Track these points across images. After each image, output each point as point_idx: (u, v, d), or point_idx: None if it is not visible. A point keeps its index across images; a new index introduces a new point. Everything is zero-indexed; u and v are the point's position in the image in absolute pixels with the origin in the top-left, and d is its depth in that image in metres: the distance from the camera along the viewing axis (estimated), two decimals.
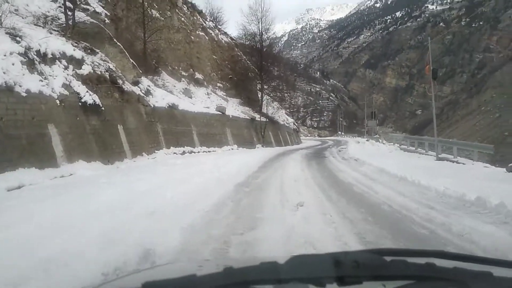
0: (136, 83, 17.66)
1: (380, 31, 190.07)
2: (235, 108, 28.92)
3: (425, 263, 0.85)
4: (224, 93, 30.61)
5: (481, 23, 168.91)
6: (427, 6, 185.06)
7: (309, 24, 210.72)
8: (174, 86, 25.36)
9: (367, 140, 32.29)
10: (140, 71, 18.46)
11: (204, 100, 26.71)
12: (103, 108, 13.41)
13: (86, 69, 13.49)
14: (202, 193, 6.13)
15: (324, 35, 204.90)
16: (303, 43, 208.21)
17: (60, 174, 10.24)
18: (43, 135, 10.51)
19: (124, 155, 14.31)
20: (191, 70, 28.63)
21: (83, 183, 7.18)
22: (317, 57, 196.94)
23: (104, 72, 14.70)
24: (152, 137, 17.33)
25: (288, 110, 62.80)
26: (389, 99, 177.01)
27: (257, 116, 29.30)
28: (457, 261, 0.96)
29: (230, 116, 24.99)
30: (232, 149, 23.48)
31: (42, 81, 11.17)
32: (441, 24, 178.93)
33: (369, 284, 0.77)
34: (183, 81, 27.05)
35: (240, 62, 34.02)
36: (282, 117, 38.42)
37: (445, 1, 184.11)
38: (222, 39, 33.43)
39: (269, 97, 35.16)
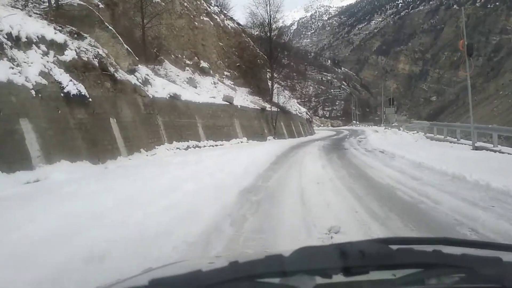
0: (132, 71, 15.83)
1: (392, 16, 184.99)
2: (243, 98, 26.98)
3: (432, 251, 0.82)
4: (232, 82, 28.66)
5: (497, 3, 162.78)
6: None
7: (319, 11, 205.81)
8: (178, 75, 23.53)
9: (385, 129, 30.10)
10: (137, 59, 16.62)
11: (210, 90, 24.84)
12: (90, 99, 11.64)
13: (69, 55, 11.71)
14: (187, 212, 4.25)
15: (334, 22, 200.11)
16: (313, 31, 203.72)
17: (35, 178, 8.53)
18: (13, 131, 8.77)
19: (117, 152, 12.55)
20: (196, 58, 26.71)
21: (37, 194, 5.39)
22: (327, 45, 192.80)
23: (93, 58, 12.89)
24: (152, 131, 15.54)
25: (299, 100, 60.62)
26: (403, 86, 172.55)
27: (267, 106, 27.28)
28: (465, 247, 0.95)
29: (239, 107, 23.08)
30: (241, 142, 21.60)
31: (13, 68, 9.43)
32: (454, 6, 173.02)
33: (375, 273, 0.76)
34: (187, 70, 25.19)
35: (248, 48, 31.92)
36: (294, 106, 36.34)
37: None
38: (228, 24, 31.33)
39: (280, 86, 33.12)
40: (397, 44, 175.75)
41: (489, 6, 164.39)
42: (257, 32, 33.12)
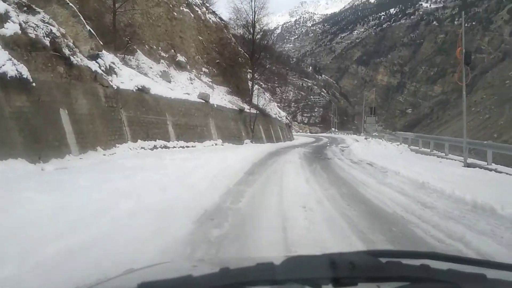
0: (93, 57, 13.80)
1: (374, 27, 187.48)
2: (221, 97, 25.21)
3: (419, 265, 0.84)
4: (210, 80, 26.85)
5: (473, 23, 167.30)
6: (421, 4, 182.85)
7: (303, 17, 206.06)
8: (151, 67, 21.56)
9: (366, 138, 28.98)
10: (101, 43, 14.60)
11: (185, 86, 22.96)
12: (34, 85, 9.65)
13: (11, 29, 9.67)
14: (94, 265, 2.50)
15: (318, 29, 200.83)
16: (296, 36, 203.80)
17: None
18: None
19: (66, 149, 10.55)
20: (173, 51, 24.76)
21: None
22: (309, 51, 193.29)
23: (43, 36, 10.84)
24: (113, 127, 13.55)
25: (279, 104, 59.30)
26: (380, 97, 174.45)
27: (246, 107, 25.59)
28: (451, 262, 0.96)
29: (215, 106, 21.30)
30: (215, 144, 19.82)
31: None
32: (434, 22, 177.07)
33: (364, 285, 0.76)
34: (162, 63, 23.22)
35: (229, 45, 30.15)
36: (274, 110, 34.82)
37: (439, 0, 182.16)
38: (210, 18, 29.50)
39: (260, 87, 31.52)
40: (377, 55, 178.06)
41: (466, 25, 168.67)
42: (240, 30, 31.40)
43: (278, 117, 34.15)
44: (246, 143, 23.18)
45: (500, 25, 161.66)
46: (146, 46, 23.08)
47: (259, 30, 30.20)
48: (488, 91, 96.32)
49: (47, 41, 10.94)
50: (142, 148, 14.44)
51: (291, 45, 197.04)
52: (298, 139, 37.54)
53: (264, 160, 12.61)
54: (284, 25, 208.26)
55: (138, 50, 21.85)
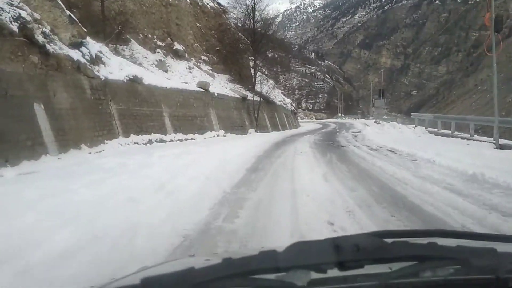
0: (76, 45, 12.19)
1: (375, 10, 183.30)
2: (222, 85, 23.55)
3: (427, 243, 0.81)
4: (210, 68, 25.15)
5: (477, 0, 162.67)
6: None
7: (303, 4, 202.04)
8: (146, 57, 19.94)
9: (376, 122, 27.19)
10: (84, 30, 12.95)
11: (184, 75, 21.33)
12: None
13: None
14: None
15: (319, 15, 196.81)
16: (297, 23, 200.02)
17: None
18: None
19: (42, 149, 9.03)
20: (169, 39, 23.05)
21: None
22: (311, 37, 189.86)
23: (11, 21, 9.27)
24: (101, 122, 11.99)
25: (283, 91, 57.48)
26: (384, 80, 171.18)
27: (249, 95, 23.90)
28: (459, 239, 0.93)
29: (215, 94, 19.66)
30: (217, 135, 18.25)
31: None
32: (437, 1, 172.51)
33: (370, 267, 0.75)
34: (159, 52, 21.56)
35: (229, 31, 28.35)
36: (279, 96, 33.06)
37: None
38: (207, 3, 27.67)
39: (263, 74, 29.76)
40: (379, 38, 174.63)
41: (469, 2, 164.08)
42: (240, 16, 29.49)
43: (283, 104, 32.40)
44: (250, 133, 21.59)
45: (506, 0, 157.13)
46: (140, 35, 21.43)
47: (259, 19, 28.39)
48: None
49: (15, 27, 9.33)
50: (135, 143, 12.90)
51: (293, 32, 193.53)
52: (305, 126, 35.83)
53: (270, 152, 10.98)
54: (285, 13, 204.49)
55: (131, 39, 20.22)
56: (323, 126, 33.91)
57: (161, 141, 14.19)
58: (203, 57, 25.26)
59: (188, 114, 17.08)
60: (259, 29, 27.70)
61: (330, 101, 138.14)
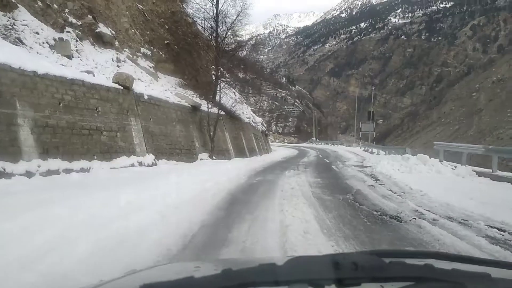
0: None
1: (345, 41, 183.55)
2: (166, 88, 15.73)
3: (423, 264, 0.80)
4: (152, 65, 17.33)
5: (439, 38, 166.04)
6: (390, 19, 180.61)
7: (276, 29, 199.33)
8: (37, 33, 11.82)
9: (365, 150, 20.18)
10: None
11: (104, 68, 13.43)
12: None
13: None
14: None
15: (291, 41, 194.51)
16: (270, 48, 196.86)
17: None
18: None
19: None
20: (90, 17, 15.08)
21: None
22: (283, 63, 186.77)
23: None
24: None
25: (253, 109, 50.07)
26: (352, 108, 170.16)
27: (204, 105, 16.03)
28: (456, 262, 0.94)
29: (145, 97, 11.78)
30: (139, 163, 10.24)
31: None
32: (402, 37, 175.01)
33: (367, 285, 0.73)
34: (69, 32, 13.52)
35: (185, 23, 20.81)
36: (247, 113, 25.63)
37: (406, 15, 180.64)
38: None
39: (228, 84, 22.24)
40: (348, 67, 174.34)
41: (432, 40, 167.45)
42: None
43: (252, 122, 24.88)
44: (201, 160, 13.73)
45: (464, 41, 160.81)
46: (39, 2, 13.32)
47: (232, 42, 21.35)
48: (457, 103, 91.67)
49: None
50: None
51: (265, 56, 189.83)
52: (278, 152, 28.40)
53: (219, 231, 3.32)
54: (258, 37, 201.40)
55: (20, 5, 12.11)
56: (300, 152, 26.38)
57: (2, 175, 6.12)
58: (143, 49, 17.37)
59: (82, 124, 9.04)
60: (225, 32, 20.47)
61: (300, 126, 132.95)
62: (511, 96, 65.82)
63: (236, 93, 25.24)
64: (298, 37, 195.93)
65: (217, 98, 18.68)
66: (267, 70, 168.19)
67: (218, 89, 19.35)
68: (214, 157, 14.63)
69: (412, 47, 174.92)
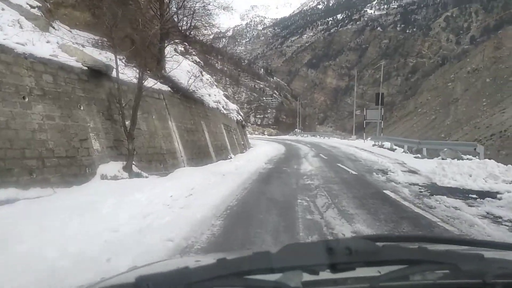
0: None
1: (322, 32, 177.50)
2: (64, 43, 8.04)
3: (417, 247, 0.80)
4: (39, 4, 9.54)
5: (414, 29, 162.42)
6: (366, 10, 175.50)
7: (254, 21, 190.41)
8: None
9: (376, 145, 13.08)
10: None
11: None
12: None
13: None
14: None
15: (269, 32, 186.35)
16: (248, 39, 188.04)
17: None
18: None
19: None
20: None
21: None
22: (261, 54, 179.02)
23: None
24: None
25: (226, 94, 42.27)
26: (330, 99, 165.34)
27: (126, 76, 8.22)
28: (448, 244, 0.93)
29: None
30: None
31: None
32: (378, 28, 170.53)
33: (362, 270, 0.73)
34: None
35: None
36: (217, 96, 18.07)
37: (382, 7, 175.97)
38: None
39: (185, 49, 14.53)
40: (326, 59, 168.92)
41: (407, 31, 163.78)
42: None
43: (223, 108, 17.24)
44: (103, 178, 6.29)
45: (438, 32, 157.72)
46: None
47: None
48: (433, 93, 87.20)
49: None
50: None
51: (243, 48, 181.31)
52: (258, 147, 21.09)
53: None
54: (235, 28, 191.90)
55: None
56: (288, 150, 18.76)
57: None
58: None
59: None
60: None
61: (279, 117, 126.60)
62: (486, 85, 61.77)
63: (205, 75, 17.64)
64: (276, 28, 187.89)
65: (168, 68, 11.08)
66: (245, 61, 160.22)
67: (172, 57, 11.74)
68: (137, 169, 7.12)
69: (388, 38, 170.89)
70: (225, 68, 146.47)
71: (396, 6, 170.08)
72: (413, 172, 9.09)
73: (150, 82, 9.15)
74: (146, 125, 8.20)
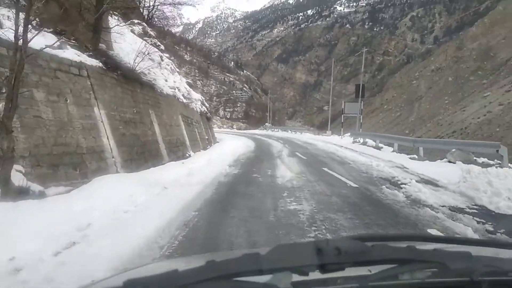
0: None
1: (293, 27, 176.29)
2: None
3: (405, 247, 0.79)
4: None
5: (381, 28, 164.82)
6: (336, 7, 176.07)
7: (225, 13, 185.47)
8: None
9: (356, 141, 10.94)
10: None
11: None
12: None
13: None
14: None
15: (239, 25, 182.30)
16: (218, 32, 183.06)
17: None
18: None
19: None
20: None
21: None
22: (231, 47, 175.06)
23: None
24: None
25: (189, 81, 39.18)
26: (299, 94, 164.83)
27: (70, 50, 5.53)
28: (437, 243, 0.90)
29: None
30: None
31: None
32: (347, 25, 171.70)
33: (351, 270, 0.72)
34: None
35: None
36: (176, 82, 15.24)
37: (351, 4, 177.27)
38: None
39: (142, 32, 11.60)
40: (296, 54, 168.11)
41: (375, 29, 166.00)
42: None
43: (183, 97, 14.42)
44: None
45: (404, 31, 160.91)
46: None
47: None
48: (398, 90, 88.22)
49: None
50: None
51: (213, 40, 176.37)
52: (224, 142, 18.52)
53: None
54: (206, 20, 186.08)
55: None
56: (259, 147, 16.34)
57: None
58: None
59: None
60: None
61: (248, 111, 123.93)
62: (448, 84, 62.62)
63: (159, 53, 14.68)
64: (247, 21, 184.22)
65: (107, 40, 8.19)
66: (215, 53, 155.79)
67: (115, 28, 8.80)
68: (26, 181, 4.40)
69: (356, 35, 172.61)
70: (194, 60, 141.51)
71: (364, 4, 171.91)
72: (432, 183, 6.71)
73: (93, 61, 6.29)
74: (52, 112, 5.42)
